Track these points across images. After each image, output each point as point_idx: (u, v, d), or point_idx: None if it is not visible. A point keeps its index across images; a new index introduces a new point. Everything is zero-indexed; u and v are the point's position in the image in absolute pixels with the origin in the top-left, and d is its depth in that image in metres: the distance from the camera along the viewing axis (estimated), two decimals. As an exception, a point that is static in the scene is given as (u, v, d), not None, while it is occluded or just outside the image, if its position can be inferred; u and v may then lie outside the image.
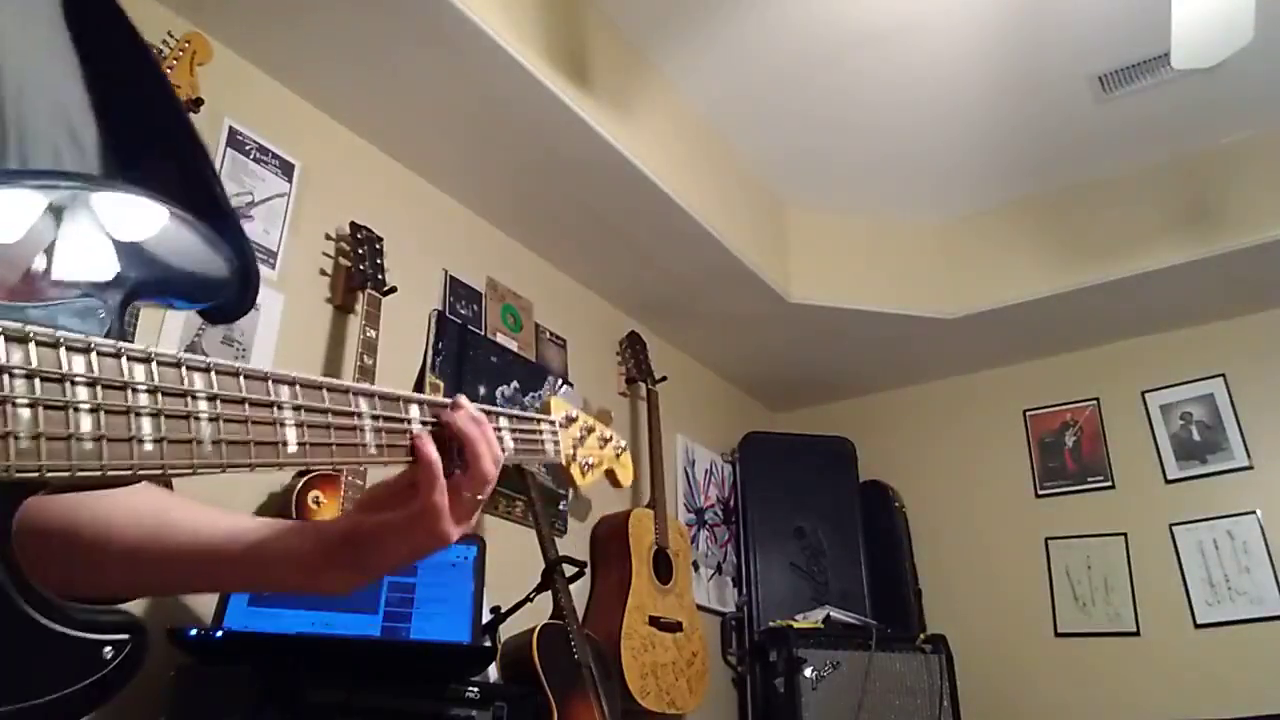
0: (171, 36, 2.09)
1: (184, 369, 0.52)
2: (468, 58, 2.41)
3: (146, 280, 0.57)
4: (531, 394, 3.12)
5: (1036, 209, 3.68)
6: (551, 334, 3.33)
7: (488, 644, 2.11)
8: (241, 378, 0.55)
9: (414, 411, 0.70)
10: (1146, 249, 3.40)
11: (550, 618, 2.52)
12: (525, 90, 2.52)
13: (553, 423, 0.92)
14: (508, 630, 2.39)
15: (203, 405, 0.52)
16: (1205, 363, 3.70)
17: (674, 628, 3.04)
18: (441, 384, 2.76)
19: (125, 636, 0.49)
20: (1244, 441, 3.53)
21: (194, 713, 1.71)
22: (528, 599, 2.31)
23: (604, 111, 2.73)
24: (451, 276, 2.96)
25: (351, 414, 0.64)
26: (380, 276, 2.47)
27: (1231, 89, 3.03)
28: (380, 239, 2.54)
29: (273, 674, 1.63)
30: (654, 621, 2.98)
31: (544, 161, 2.86)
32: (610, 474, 1.07)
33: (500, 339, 3.05)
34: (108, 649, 0.48)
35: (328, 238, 2.58)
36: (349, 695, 1.67)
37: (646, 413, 3.48)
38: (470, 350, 2.90)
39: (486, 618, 2.16)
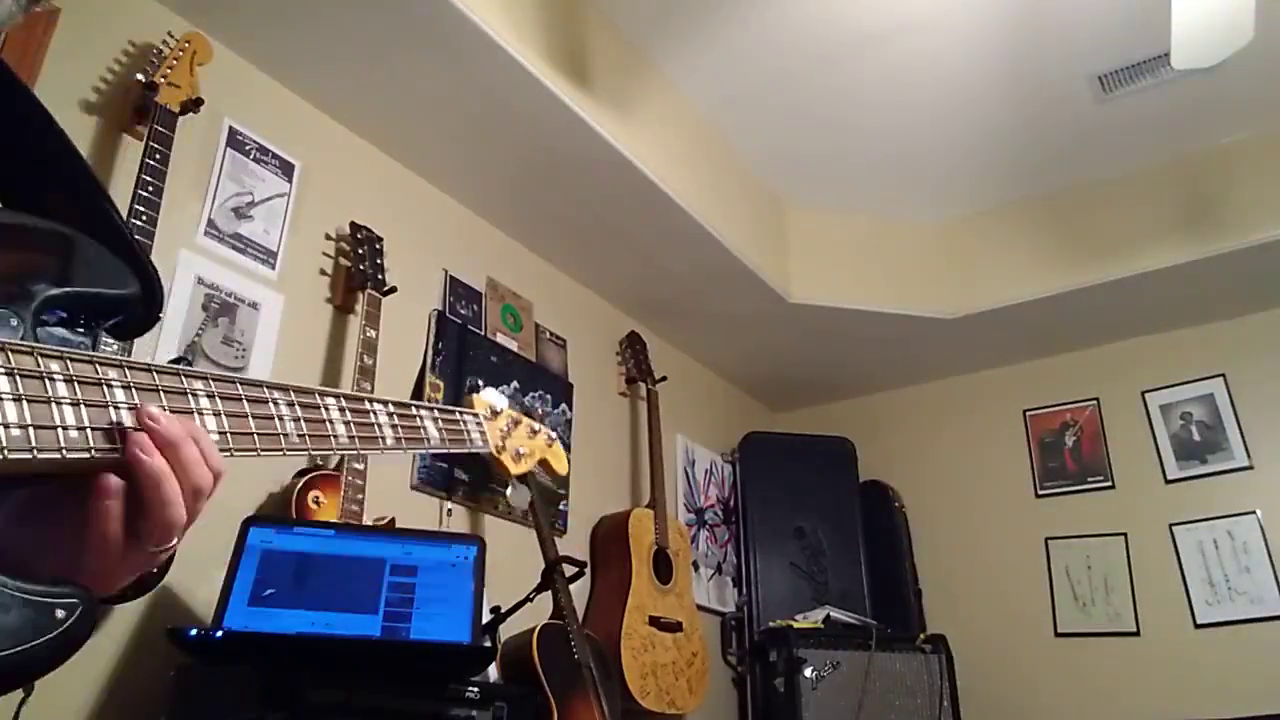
0: (171, 36, 2.10)
1: (97, 364, 0.55)
2: (468, 58, 2.41)
3: (56, 296, 0.60)
4: (532, 394, 3.12)
5: (1036, 209, 3.68)
6: (551, 334, 3.33)
7: (488, 644, 2.11)
8: (154, 372, 0.59)
9: (330, 404, 0.73)
10: (1146, 249, 3.40)
11: (550, 618, 2.52)
12: (525, 90, 2.52)
13: (476, 415, 0.98)
14: (508, 630, 2.39)
15: (119, 395, 0.56)
16: (1205, 363, 3.70)
17: (674, 628, 3.04)
18: (442, 384, 2.76)
19: (75, 599, 0.52)
20: (1244, 441, 3.53)
21: (194, 713, 1.70)
22: (528, 599, 2.31)
23: (604, 111, 2.73)
24: (451, 276, 2.96)
25: (267, 401, 0.67)
26: (380, 276, 2.47)
27: (1231, 89, 3.03)
28: (380, 239, 2.55)
29: (273, 674, 1.63)
30: (654, 621, 2.98)
31: (544, 161, 2.86)
32: (544, 463, 1.15)
33: (500, 339, 3.05)
34: (59, 610, 0.52)
35: (328, 238, 2.58)
36: (349, 695, 1.67)
37: (646, 413, 3.48)
38: (470, 350, 2.90)
39: (486, 618, 2.16)
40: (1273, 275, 3.39)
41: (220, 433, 0.61)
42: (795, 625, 3.37)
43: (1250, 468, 3.50)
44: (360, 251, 2.48)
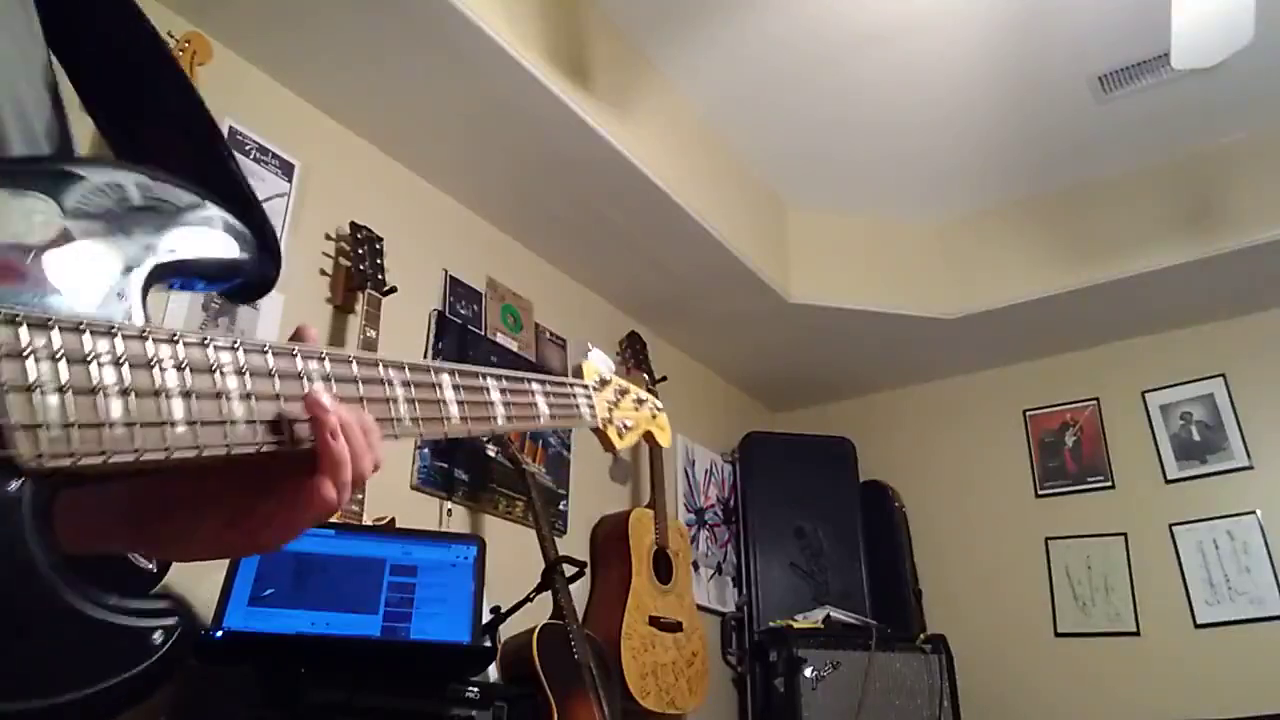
0: (171, 36, 2.09)
1: (210, 348, 0.51)
2: (468, 58, 2.41)
3: (166, 263, 0.56)
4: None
5: (1036, 209, 3.68)
6: (551, 334, 3.33)
7: (488, 644, 2.11)
8: (269, 354, 0.55)
9: (445, 382, 0.67)
10: (1146, 249, 3.40)
11: (550, 618, 2.52)
12: (525, 90, 2.52)
13: (586, 386, 0.91)
14: (508, 630, 2.39)
15: (231, 383, 0.51)
16: (1205, 363, 3.70)
17: (674, 628, 3.04)
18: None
19: (173, 621, 0.49)
20: (1244, 441, 3.53)
21: (194, 713, 1.71)
22: (528, 599, 2.31)
23: (604, 111, 2.73)
24: (451, 276, 2.96)
25: (382, 382, 0.62)
26: (380, 276, 2.47)
27: (1231, 89, 3.03)
28: (380, 239, 2.54)
29: (273, 674, 1.63)
30: (654, 621, 2.98)
31: (544, 161, 2.86)
32: (649, 436, 1.06)
33: (500, 339, 3.05)
34: (157, 634, 0.48)
35: (328, 238, 2.58)
36: (349, 695, 1.67)
37: (646, 413, 3.48)
38: (470, 350, 2.90)
39: (486, 618, 2.16)
40: (1273, 275, 3.39)
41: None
42: (795, 625, 3.37)
43: (1250, 468, 3.49)
44: (360, 251, 2.48)
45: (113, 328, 0.46)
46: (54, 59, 0.62)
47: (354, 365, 0.60)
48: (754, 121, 3.32)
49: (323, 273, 2.54)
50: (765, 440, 4.12)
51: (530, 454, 3.01)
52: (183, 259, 0.57)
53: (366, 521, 2.14)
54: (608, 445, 0.97)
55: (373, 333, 2.34)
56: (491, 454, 2.87)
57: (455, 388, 0.68)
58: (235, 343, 0.53)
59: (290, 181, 2.50)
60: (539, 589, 2.40)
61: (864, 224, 3.85)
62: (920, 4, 2.78)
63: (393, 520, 2.25)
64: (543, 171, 2.91)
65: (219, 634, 1.68)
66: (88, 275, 0.50)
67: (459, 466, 2.75)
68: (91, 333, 0.45)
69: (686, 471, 3.87)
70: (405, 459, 2.60)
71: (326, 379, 0.58)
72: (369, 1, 2.24)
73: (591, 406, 0.91)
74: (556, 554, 2.52)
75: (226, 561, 1.80)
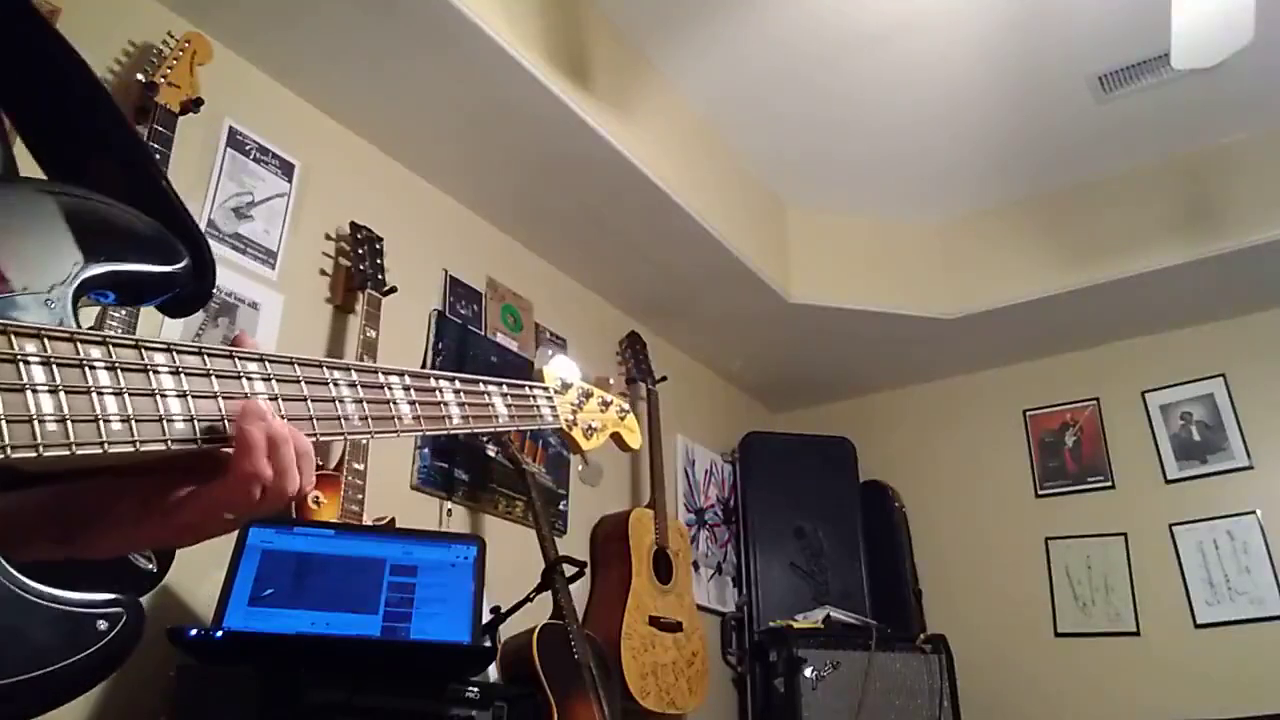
0: (171, 36, 2.09)
1: (142, 349, 0.52)
2: (468, 58, 2.41)
3: (96, 275, 0.57)
4: (531, 394, 3.12)
5: (1036, 209, 3.68)
6: (551, 334, 3.33)
7: (488, 644, 2.11)
8: (204, 355, 0.56)
9: (395, 383, 0.69)
10: (1146, 249, 3.40)
11: (550, 618, 2.52)
12: (525, 90, 2.52)
13: (546, 389, 0.92)
14: (508, 630, 2.39)
15: (167, 382, 0.53)
16: (1205, 363, 3.70)
17: (674, 628, 3.04)
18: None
19: (118, 609, 0.49)
20: (1244, 441, 3.53)
21: (194, 713, 1.71)
22: (528, 599, 2.31)
23: (604, 111, 2.73)
24: (451, 276, 2.96)
25: (326, 383, 0.63)
26: (380, 276, 2.47)
27: (1231, 89, 3.03)
28: (380, 239, 2.54)
29: (273, 674, 1.63)
30: (654, 621, 2.98)
31: (544, 161, 2.86)
32: (616, 437, 1.07)
33: (500, 339, 3.05)
34: (101, 622, 0.49)
35: (328, 238, 2.58)
36: (349, 695, 1.67)
37: (646, 413, 3.48)
38: (470, 350, 2.90)
39: (486, 618, 2.16)
40: (1273, 275, 3.39)
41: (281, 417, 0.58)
42: (795, 625, 3.37)
43: (1250, 468, 3.49)
44: (360, 251, 2.48)
45: (39, 330, 0.48)
46: None
47: (295, 367, 0.61)
48: (754, 121, 3.32)
49: (323, 273, 2.54)
50: (765, 440, 4.12)
51: (530, 454, 3.01)
52: (113, 270, 0.58)
53: (366, 521, 2.14)
54: (574, 446, 0.99)
55: (373, 333, 2.34)
56: (491, 454, 2.87)
57: (406, 388, 0.70)
58: (169, 345, 0.54)
59: (290, 181, 2.50)
60: (539, 589, 2.40)
61: (864, 224, 3.85)
62: (920, 4, 2.78)
63: (393, 520, 2.25)
64: (543, 171, 2.92)
65: (219, 634, 1.68)
66: (16, 285, 0.52)
67: (459, 466, 2.75)
68: (16, 335, 0.47)
69: (686, 471, 3.87)
70: (405, 459, 2.60)
71: (267, 379, 0.59)
72: (369, 1, 2.24)
73: (553, 408, 0.92)
74: (556, 554, 2.52)
75: (227, 561, 1.80)
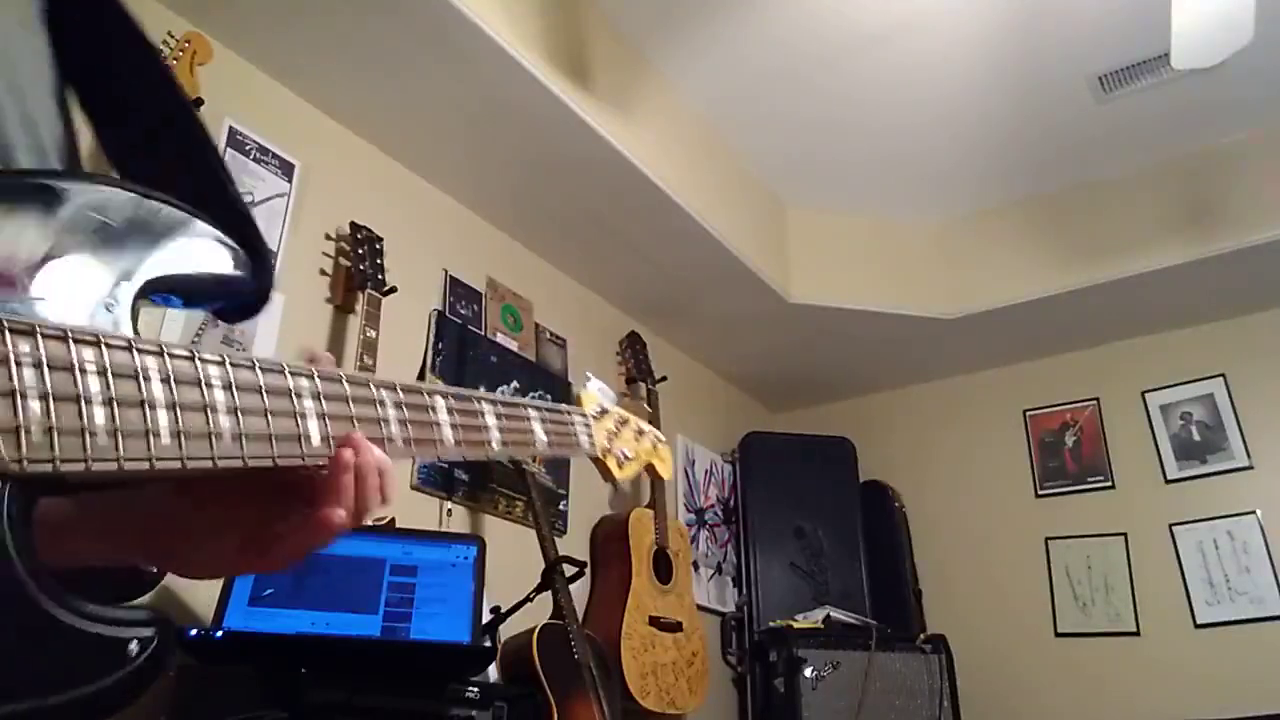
0: (171, 36, 2.09)
1: (198, 361, 0.51)
2: (468, 58, 2.41)
3: (156, 278, 0.56)
4: (532, 394, 3.12)
5: (1036, 209, 3.68)
6: (551, 334, 3.33)
7: (488, 644, 2.11)
8: (257, 369, 0.55)
9: (440, 405, 0.68)
10: (1146, 249, 3.40)
11: (550, 618, 2.52)
12: (525, 90, 2.52)
13: (584, 415, 0.92)
14: (508, 630, 2.39)
15: (219, 396, 0.52)
16: (1205, 363, 3.70)
17: (674, 628, 3.04)
18: (442, 384, 2.75)
19: (150, 632, 0.49)
20: (1244, 441, 3.53)
21: (194, 713, 1.71)
22: (528, 599, 2.31)
23: (604, 111, 2.73)
24: (451, 276, 2.96)
25: (374, 403, 0.63)
26: (380, 276, 2.47)
27: (1231, 89, 3.03)
28: (380, 239, 2.54)
29: (273, 674, 1.63)
30: (654, 621, 2.98)
31: (544, 161, 2.86)
32: (650, 468, 1.05)
33: (500, 339, 3.05)
34: (133, 644, 0.48)
35: (328, 238, 2.58)
36: (349, 695, 1.67)
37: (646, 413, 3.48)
38: (470, 350, 2.90)
39: (486, 618, 2.16)
40: (1273, 275, 3.39)
41: (322, 438, 0.58)
42: (795, 625, 3.37)
43: (1250, 468, 3.49)
44: (360, 251, 2.48)
45: (98, 337, 0.47)
46: (62, 75, 0.63)
47: (345, 384, 0.61)
48: (754, 121, 3.32)
49: (323, 273, 2.54)
50: (765, 440, 4.12)
51: (530, 454, 3.00)
52: (173, 274, 0.57)
53: (366, 521, 2.14)
54: (607, 475, 0.96)
55: (373, 333, 2.34)
56: (491, 454, 2.87)
57: (450, 410, 0.69)
58: (223, 357, 0.53)
59: (290, 181, 2.50)
60: (539, 589, 2.40)
61: (864, 224, 3.85)
62: (920, 4, 2.78)
63: (393, 520, 2.25)
64: (543, 171, 2.91)
65: (219, 634, 1.68)
66: (77, 288, 0.51)
67: (459, 466, 2.75)
68: (76, 341, 0.45)
69: (686, 471, 3.87)
70: (405, 459, 2.60)
71: (316, 396, 0.58)
72: (369, 2, 2.24)
73: (590, 435, 0.91)
74: (556, 554, 2.52)
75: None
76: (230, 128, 2.38)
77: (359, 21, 2.31)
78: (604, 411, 0.97)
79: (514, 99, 2.56)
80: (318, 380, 0.59)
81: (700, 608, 3.40)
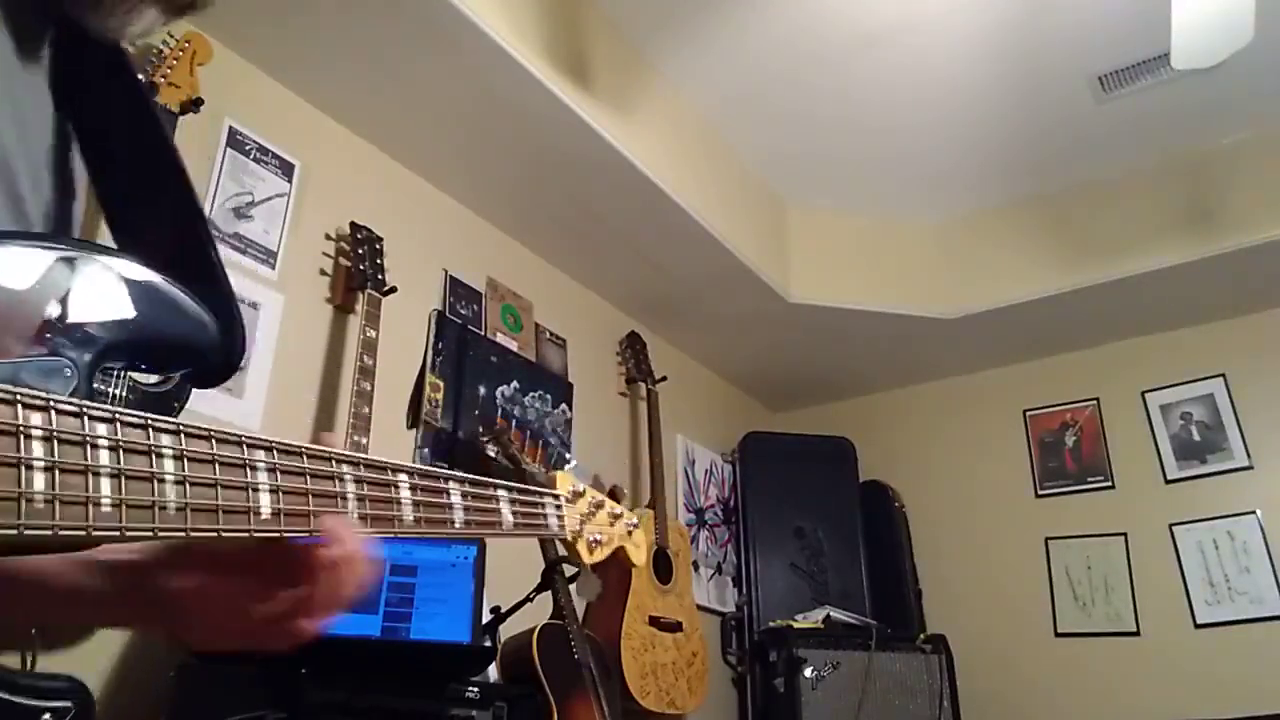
0: (171, 36, 2.09)
1: (150, 430, 0.50)
2: (468, 58, 2.41)
3: (118, 343, 0.56)
4: (531, 394, 3.12)
5: (1036, 209, 3.68)
6: (551, 334, 3.33)
7: (488, 644, 2.11)
8: (213, 440, 0.54)
9: (403, 481, 0.67)
10: (1146, 249, 3.40)
11: (550, 618, 2.52)
12: (525, 90, 2.52)
13: (557, 497, 0.91)
14: (508, 630, 2.39)
15: (169, 466, 0.51)
16: (1205, 363, 3.69)
17: (674, 628, 3.04)
18: (442, 384, 2.76)
19: (66, 704, 0.48)
20: (1244, 441, 3.53)
21: (194, 713, 1.71)
22: (528, 599, 2.31)
23: (604, 111, 2.73)
24: (451, 276, 2.96)
25: (333, 477, 0.61)
26: (380, 276, 2.47)
27: (1231, 89, 3.03)
28: (380, 239, 2.54)
29: (273, 673, 1.63)
30: (654, 621, 2.98)
31: (544, 162, 2.86)
32: (620, 552, 1.06)
33: (500, 339, 3.05)
34: (45, 715, 0.47)
35: (328, 238, 2.58)
36: (349, 695, 1.67)
37: (646, 413, 3.48)
38: (470, 350, 2.90)
39: (486, 618, 2.16)
40: (1273, 275, 3.39)
41: (273, 512, 0.57)
42: (795, 625, 3.37)
43: (1250, 468, 3.49)
44: (360, 251, 2.48)
45: (49, 402, 0.46)
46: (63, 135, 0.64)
47: (304, 459, 0.60)
48: (754, 122, 3.32)
49: (323, 273, 2.54)
50: (765, 440, 4.12)
51: (530, 454, 3.01)
52: (137, 338, 0.57)
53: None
54: (576, 559, 0.97)
55: (372, 333, 2.34)
56: (491, 454, 2.87)
57: (412, 488, 0.68)
58: (178, 426, 0.52)
59: (290, 181, 2.50)
60: (539, 589, 2.39)
61: (864, 224, 3.85)
62: (920, 4, 2.78)
63: (393, 520, 2.25)
64: (543, 171, 2.91)
65: (219, 634, 1.68)
66: (35, 348, 0.51)
67: (459, 467, 2.74)
68: (24, 406, 0.45)
69: (686, 471, 3.87)
70: (405, 459, 2.60)
71: (272, 470, 0.57)
72: (369, 1, 2.24)
73: (561, 518, 0.91)
74: (556, 554, 2.52)
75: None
76: (230, 128, 2.38)
77: (360, 21, 2.31)
78: (578, 494, 0.97)
79: (514, 99, 2.56)
80: (275, 453, 0.58)
81: (700, 608, 3.40)
